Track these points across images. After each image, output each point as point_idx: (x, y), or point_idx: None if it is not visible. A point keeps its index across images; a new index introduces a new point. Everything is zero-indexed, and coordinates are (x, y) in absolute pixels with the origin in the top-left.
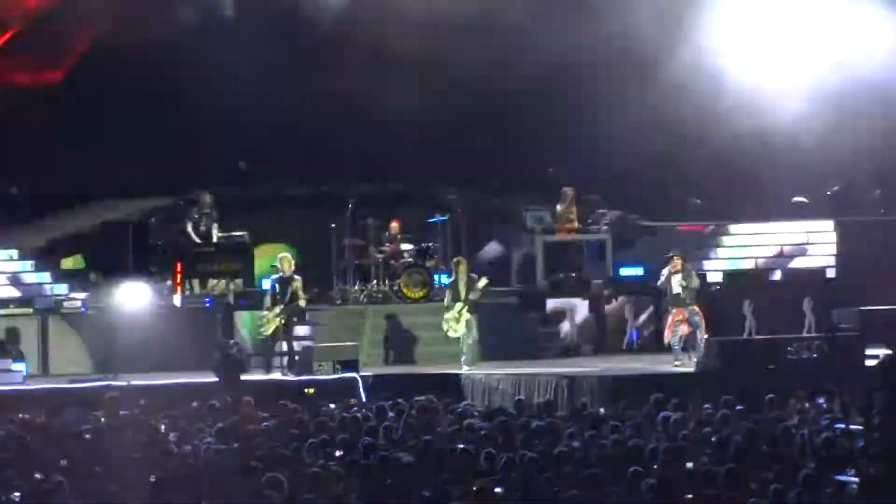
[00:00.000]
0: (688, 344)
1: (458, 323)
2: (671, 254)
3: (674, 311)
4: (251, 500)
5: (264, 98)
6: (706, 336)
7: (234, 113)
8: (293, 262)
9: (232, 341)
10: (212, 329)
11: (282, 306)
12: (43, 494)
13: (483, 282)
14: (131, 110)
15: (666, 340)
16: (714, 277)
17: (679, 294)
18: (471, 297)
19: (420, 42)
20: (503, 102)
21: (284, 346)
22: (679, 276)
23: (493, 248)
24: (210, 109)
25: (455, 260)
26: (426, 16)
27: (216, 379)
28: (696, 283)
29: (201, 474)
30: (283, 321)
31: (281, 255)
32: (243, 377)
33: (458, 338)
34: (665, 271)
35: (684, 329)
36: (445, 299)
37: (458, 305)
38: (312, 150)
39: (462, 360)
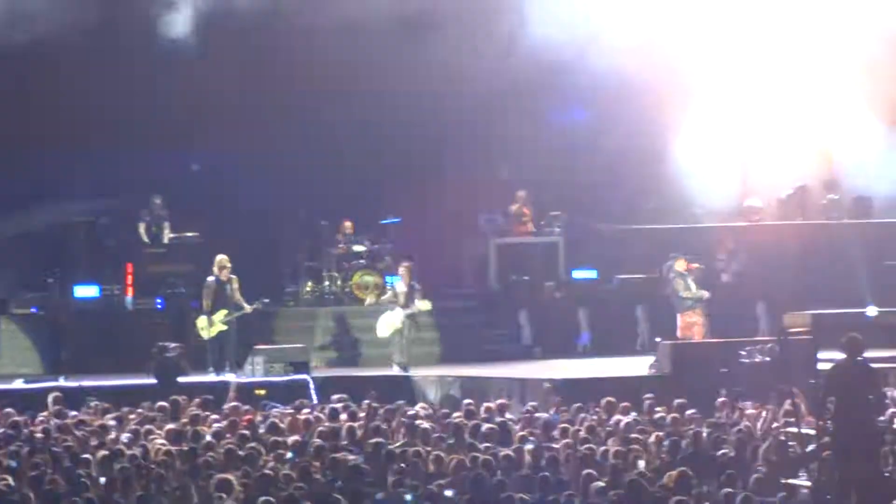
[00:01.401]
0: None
1: (388, 326)
2: (676, 255)
3: (692, 312)
4: (202, 502)
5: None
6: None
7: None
8: (228, 265)
9: (171, 344)
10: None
11: (225, 311)
12: None
13: (426, 305)
14: (82, 109)
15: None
16: None
17: (706, 297)
18: (409, 310)
19: (361, 44)
20: (455, 105)
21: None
22: (692, 278)
23: None
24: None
25: (405, 265)
26: (361, 17)
27: (155, 381)
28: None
29: (152, 475)
30: (226, 325)
31: (218, 257)
32: (181, 380)
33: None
34: (678, 273)
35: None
36: (386, 296)
37: (396, 311)
38: (265, 151)
39: (394, 359)
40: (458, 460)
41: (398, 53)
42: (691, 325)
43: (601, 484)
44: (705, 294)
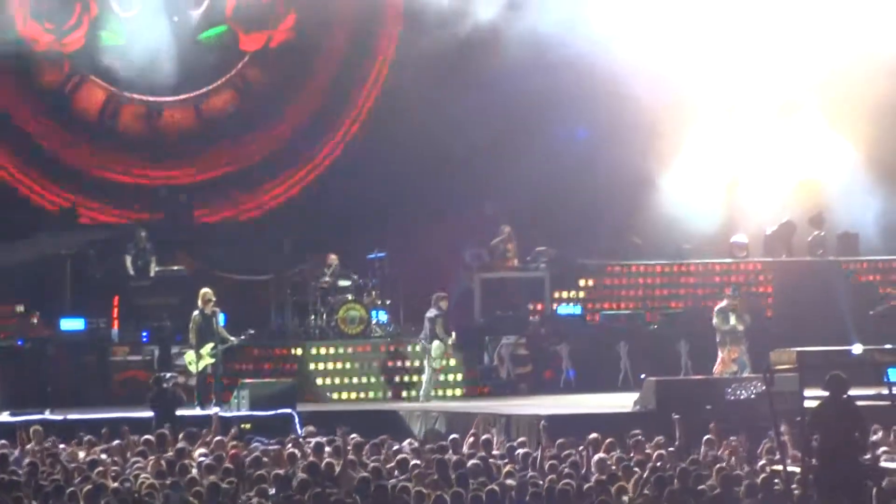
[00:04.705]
0: None
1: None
2: (730, 291)
3: (731, 347)
4: None
5: None
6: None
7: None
8: (213, 298)
9: (169, 375)
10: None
11: (212, 344)
12: None
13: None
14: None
15: (717, 373)
16: (653, 317)
17: (739, 330)
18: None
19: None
20: (440, 141)
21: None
22: (736, 314)
23: None
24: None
25: (441, 295)
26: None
27: (152, 413)
28: (748, 320)
29: None
30: (213, 359)
31: (202, 290)
32: (179, 412)
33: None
34: (720, 307)
35: (732, 368)
36: (438, 331)
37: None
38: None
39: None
40: (438, 496)
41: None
42: (726, 362)
43: None
44: (739, 326)
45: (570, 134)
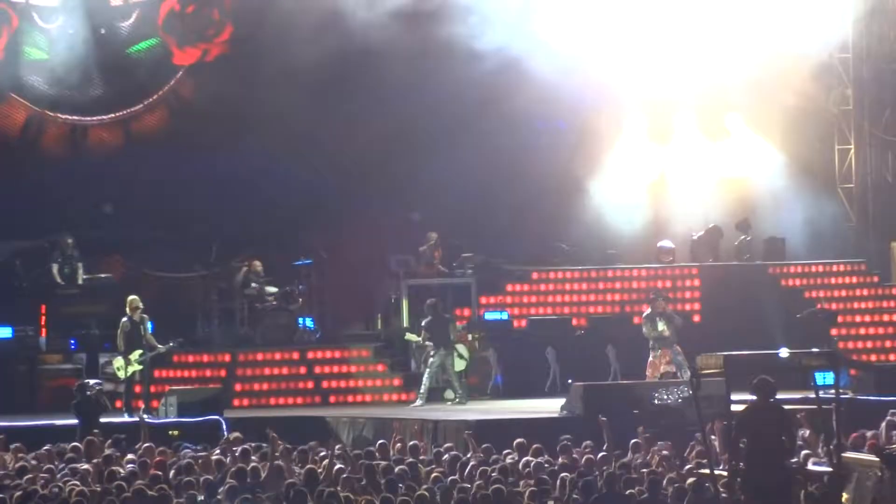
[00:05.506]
0: None
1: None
2: (653, 296)
3: (660, 351)
4: None
5: None
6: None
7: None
8: (140, 305)
9: (93, 382)
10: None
11: (140, 351)
12: None
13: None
14: None
15: (649, 379)
16: (579, 321)
17: (666, 335)
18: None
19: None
20: (367, 148)
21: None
22: (663, 318)
23: None
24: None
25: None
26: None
27: (76, 421)
28: (679, 321)
29: None
30: (141, 365)
31: (129, 297)
32: (103, 419)
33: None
34: (647, 313)
35: (667, 368)
36: (422, 337)
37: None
38: (176, 193)
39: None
40: (368, 500)
41: (310, 95)
42: (656, 365)
43: None
44: (666, 331)
45: (550, 125)
